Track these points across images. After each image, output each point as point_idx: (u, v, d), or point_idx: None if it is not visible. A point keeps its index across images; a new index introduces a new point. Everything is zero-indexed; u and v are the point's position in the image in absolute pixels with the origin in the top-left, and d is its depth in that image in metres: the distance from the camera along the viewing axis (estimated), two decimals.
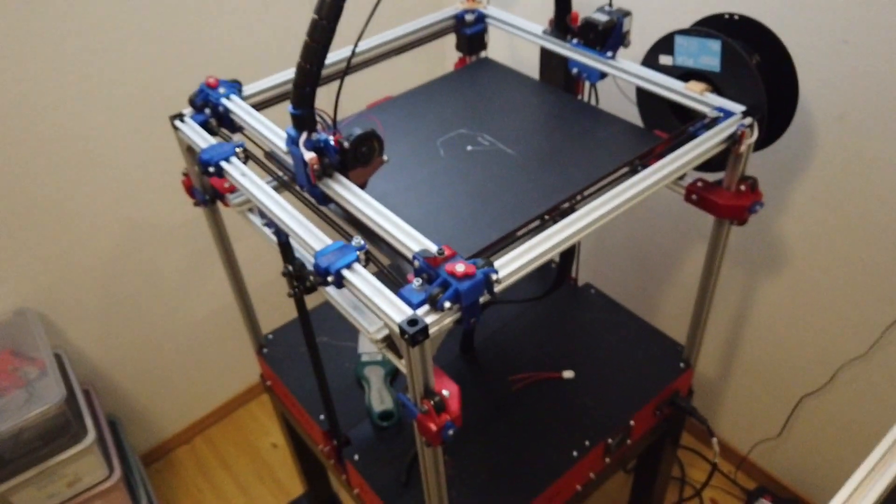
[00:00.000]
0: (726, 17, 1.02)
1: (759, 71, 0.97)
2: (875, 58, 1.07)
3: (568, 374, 1.25)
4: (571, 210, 0.84)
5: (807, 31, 1.12)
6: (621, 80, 1.07)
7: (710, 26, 1.02)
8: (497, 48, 1.34)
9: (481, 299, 0.71)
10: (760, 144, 1.04)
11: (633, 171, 0.90)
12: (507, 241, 0.80)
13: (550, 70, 1.19)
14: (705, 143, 0.91)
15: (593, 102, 1.15)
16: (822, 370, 1.43)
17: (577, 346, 1.32)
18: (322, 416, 1.19)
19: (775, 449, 1.66)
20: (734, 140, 0.92)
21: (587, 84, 1.14)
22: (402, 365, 0.74)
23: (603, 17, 1.06)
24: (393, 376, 1.25)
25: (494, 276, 0.70)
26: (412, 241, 0.75)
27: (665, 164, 0.88)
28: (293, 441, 1.48)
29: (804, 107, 1.18)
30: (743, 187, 0.99)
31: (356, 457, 1.14)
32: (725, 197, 1.00)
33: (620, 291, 1.83)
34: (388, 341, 0.77)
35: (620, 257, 1.78)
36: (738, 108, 0.94)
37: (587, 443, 1.14)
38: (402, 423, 1.18)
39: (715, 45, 0.95)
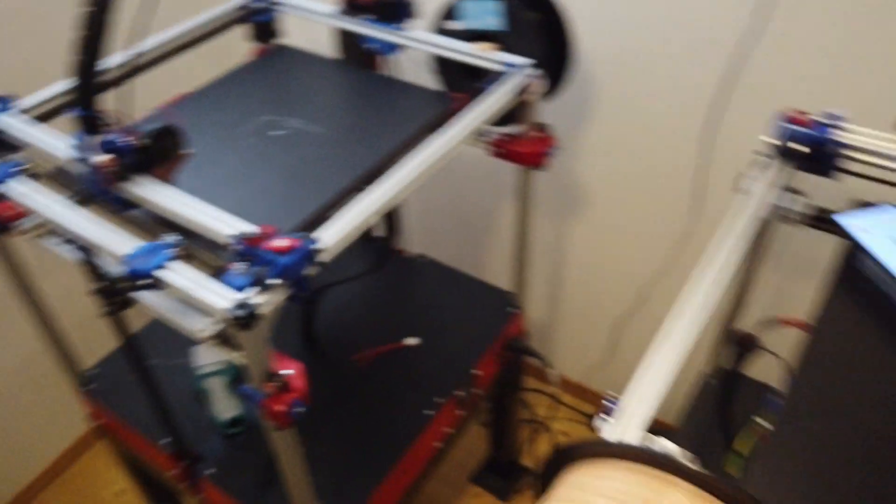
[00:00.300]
0: None
1: (540, 26, 1.05)
2: (641, 4, 1.19)
3: (410, 341, 1.28)
4: (381, 175, 0.85)
5: None
6: (416, 49, 1.10)
7: None
8: (295, 34, 1.32)
9: (309, 272, 0.71)
10: (548, 93, 1.13)
11: (436, 132, 0.94)
12: (325, 213, 0.80)
13: (348, 49, 1.20)
14: (499, 96, 0.97)
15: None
16: (630, 291, 1.59)
17: (416, 314, 1.36)
18: (166, 440, 1.12)
19: (608, 372, 1.82)
20: (523, 90, 0.99)
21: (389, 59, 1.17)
22: (238, 356, 0.72)
23: None
24: (235, 382, 1.20)
25: (318, 247, 0.71)
26: (226, 226, 0.73)
27: (464, 120, 0.93)
28: (140, 479, 1.38)
29: (584, 55, 1.30)
30: (538, 133, 1.07)
31: (211, 471, 1.09)
32: (525, 145, 1.07)
33: (452, 255, 1.89)
34: (220, 336, 0.74)
35: (447, 224, 1.84)
36: (525, 61, 1.01)
37: (438, 400, 1.18)
38: (254, 427, 1.14)
39: (495, 6, 1.02)
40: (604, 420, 0.56)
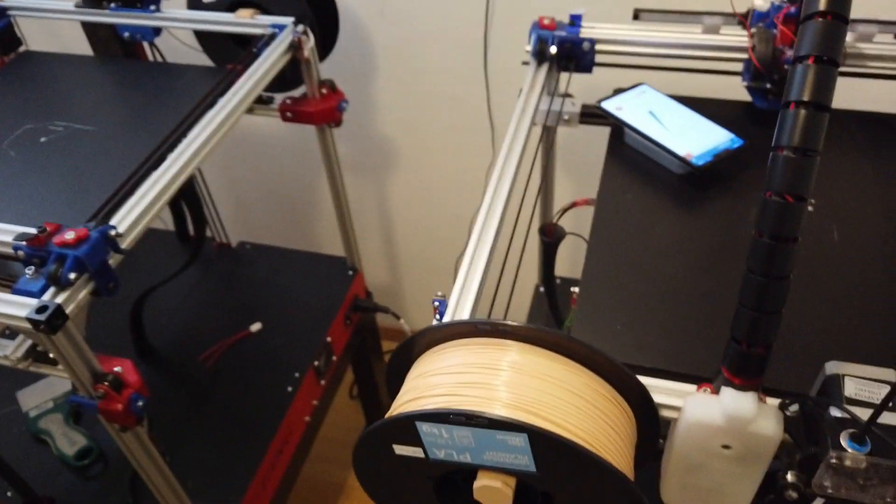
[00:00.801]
0: None
1: None
2: None
3: (254, 327, 1.26)
4: (164, 156, 0.83)
5: None
6: (176, 29, 1.06)
7: None
8: (44, 38, 1.22)
9: (110, 260, 0.67)
10: (324, 53, 1.14)
11: (213, 105, 0.92)
12: (116, 202, 0.76)
13: (102, 43, 1.13)
14: (270, 58, 0.97)
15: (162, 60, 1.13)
16: (461, 228, 1.67)
17: (254, 301, 1.33)
18: (9, 493, 1.02)
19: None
20: (294, 47, 0.99)
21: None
22: (56, 371, 0.67)
23: None
24: (74, 416, 1.12)
25: (114, 232, 0.67)
26: (3, 234, 0.67)
27: (239, 87, 0.92)
28: None
29: (351, 11, 1.32)
30: (324, 90, 1.08)
31: None
32: (313, 104, 1.08)
33: (285, 237, 1.87)
34: (33, 354, 0.69)
35: (271, 208, 1.81)
36: (288, 20, 1.01)
37: (297, 374, 1.18)
38: (105, 454, 1.07)
39: None
40: (437, 320, 0.59)
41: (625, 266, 0.67)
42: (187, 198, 0.88)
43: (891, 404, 0.44)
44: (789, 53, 0.77)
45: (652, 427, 0.52)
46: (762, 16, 0.81)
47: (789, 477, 0.48)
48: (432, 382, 0.48)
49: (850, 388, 0.46)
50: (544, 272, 0.82)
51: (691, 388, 0.51)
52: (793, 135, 0.41)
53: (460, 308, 0.59)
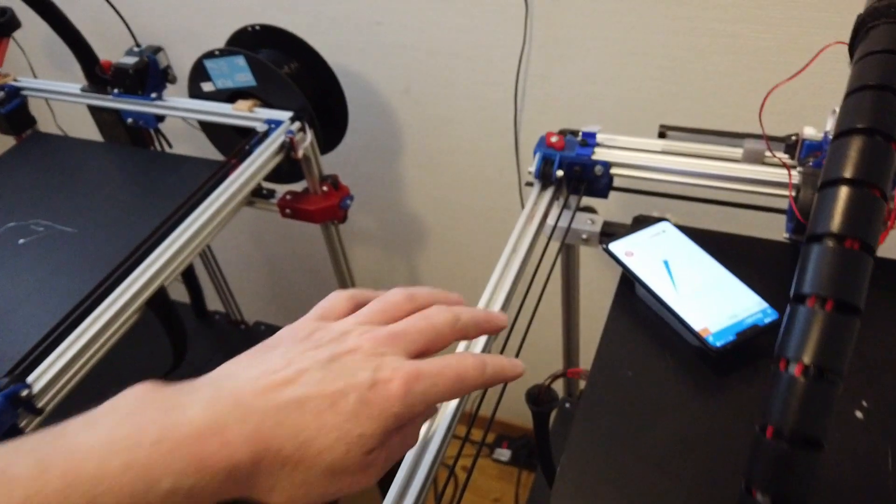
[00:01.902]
0: (249, 29, 1.01)
1: (301, 74, 0.98)
2: (407, 32, 1.14)
3: None
4: (131, 269, 0.76)
5: (334, 26, 1.16)
6: (177, 117, 1.01)
7: (240, 42, 1.01)
8: (61, 118, 1.20)
9: (24, 424, 0.60)
10: (332, 142, 1.06)
11: (198, 205, 0.86)
12: (46, 347, 0.68)
13: (108, 127, 1.09)
14: (261, 157, 0.89)
15: (168, 149, 1.09)
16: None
17: None
18: None
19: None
20: (288, 147, 0.92)
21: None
22: None
23: (132, 60, 0.99)
24: None
25: (25, 392, 0.60)
26: None
27: (227, 186, 0.85)
28: None
29: (375, 88, 1.23)
30: (325, 188, 0.99)
31: None
32: (314, 202, 1.00)
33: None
34: None
35: (299, 282, 1.75)
36: (286, 115, 0.94)
37: None
38: None
39: (240, 61, 0.94)
40: None
41: (607, 482, 0.53)
42: (160, 312, 0.82)
43: None
44: None
45: None
46: (813, 148, 0.66)
47: None
48: None
49: None
50: (537, 440, 0.69)
51: None
52: (804, 346, 0.28)
53: None
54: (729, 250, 0.68)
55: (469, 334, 0.43)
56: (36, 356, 0.64)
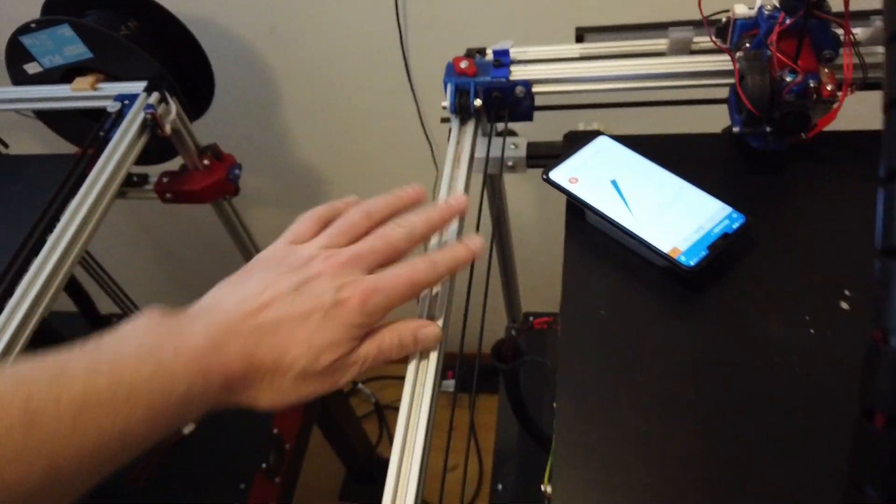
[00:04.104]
0: None
1: (144, 34, 0.82)
2: None
3: (187, 428, 1.08)
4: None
5: None
6: (5, 111, 0.83)
7: (60, 8, 0.83)
8: None
9: None
10: (200, 107, 0.91)
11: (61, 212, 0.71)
12: None
13: None
14: (122, 143, 0.75)
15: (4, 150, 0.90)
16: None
17: None
18: None
19: None
20: (151, 123, 0.77)
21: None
22: None
23: None
24: None
25: None
26: None
27: (91, 184, 0.71)
28: None
29: (235, 34, 1.08)
30: (207, 161, 0.86)
31: None
32: (197, 179, 0.86)
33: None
34: None
35: (185, 267, 1.60)
36: (139, 86, 0.79)
37: (242, 486, 1.00)
38: None
39: (66, 31, 0.77)
40: None
41: (604, 415, 0.48)
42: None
43: None
44: (792, 81, 0.56)
45: None
46: (747, 27, 0.60)
47: None
48: None
49: None
50: (510, 399, 0.63)
51: None
52: None
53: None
54: (672, 154, 0.62)
55: (427, 236, 0.50)
56: None
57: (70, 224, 0.69)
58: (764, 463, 0.46)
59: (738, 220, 0.56)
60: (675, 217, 0.57)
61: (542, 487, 0.51)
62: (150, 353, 0.38)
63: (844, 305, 0.52)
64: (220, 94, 1.01)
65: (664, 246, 0.55)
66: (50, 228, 0.69)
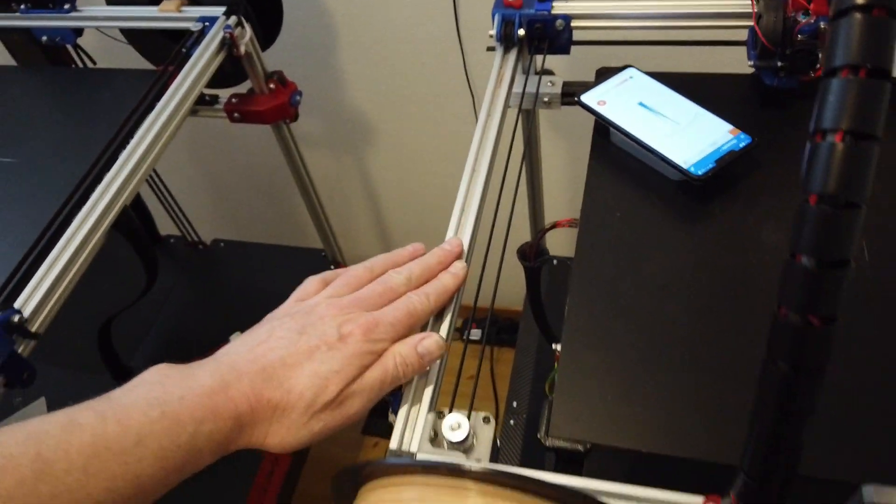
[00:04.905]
0: None
1: None
2: None
3: (234, 336, 1.18)
4: (88, 194, 0.72)
5: None
6: (98, 28, 0.93)
7: None
8: None
9: (19, 350, 0.58)
10: (268, 39, 1.00)
11: (143, 118, 0.81)
12: (25, 271, 0.66)
13: (21, 50, 1.00)
14: (202, 58, 0.84)
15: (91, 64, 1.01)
16: (452, 197, 1.56)
17: (232, 305, 1.25)
18: None
19: None
20: (229, 44, 0.87)
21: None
22: None
23: None
24: None
25: (17, 318, 0.58)
26: None
27: (172, 95, 0.81)
28: None
29: None
30: (273, 86, 0.95)
31: None
32: (262, 102, 0.96)
33: (263, 230, 1.77)
34: None
35: (246, 201, 1.70)
36: (219, 10, 0.88)
37: None
38: None
39: None
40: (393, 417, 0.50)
41: (615, 314, 0.56)
42: (128, 233, 0.78)
43: None
44: (804, 21, 0.63)
45: None
46: None
47: None
48: None
49: None
50: (530, 296, 0.72)
51: (697, 500, 0.42)
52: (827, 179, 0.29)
53: (413, 421, 0.49)
54: (696, 88, 0.69)
55: (425, 280, 0.52)
56: (16, 283, 0.61)
57: (150, 130, 0.78)
58: (748, 335, 0.53)
59: (745, 140, 0.63)
60: (689, 136, 0.64)
61: (546, 390, 0.58)
62: (156, 400, 0.39)
63: None
64: (284, 34, 1.10)
65: (677, 158, 0.62)
66: (133, 132, 0.79)
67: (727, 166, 0.62)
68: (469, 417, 0.48)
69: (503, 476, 0.38)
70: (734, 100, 0.70)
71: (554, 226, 0.66)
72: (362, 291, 0.49)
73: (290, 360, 0.43)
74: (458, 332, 1.78)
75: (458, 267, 0.54)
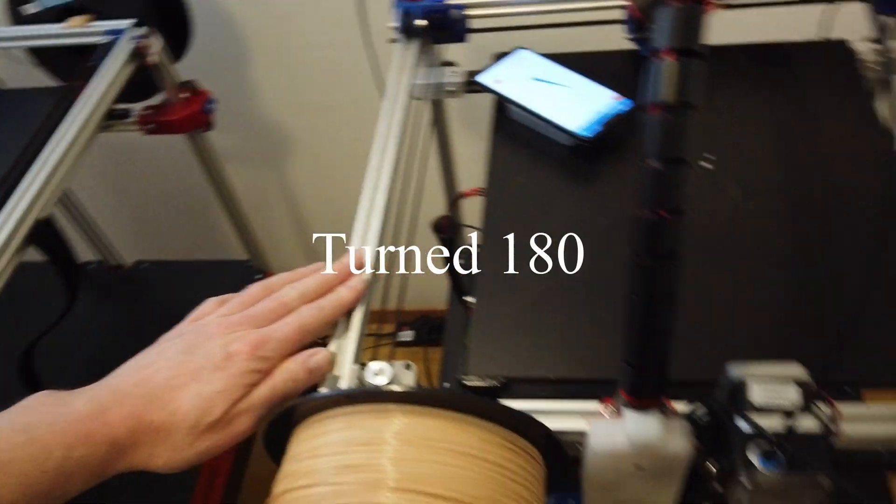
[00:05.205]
0: None
1: None
2: None
3: None
4: None
5: None
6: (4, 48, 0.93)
7: None
8: None
9: None
10: (180, 49, 1.02)
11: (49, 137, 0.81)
12: None
13: None
14: (111, 70, 0.86)
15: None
16: None
17: (159, 326, 1.24)
18: None
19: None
20: (140, 54, 0.88)
21: None
22: None
23: None
24: None
25: None
26: None
27: (78, 111, 0.82)
28: None
29: None
30: (186, 94, 0.97)
31: None
32: (175, 111, 0.97)
33: (186, 248, 1.76)
34: None
35: (169, 217, 1.69)
36: (127, 23, 0.90)
37: None
38: None
39: None
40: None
41: (520, 263, 0.61)
42: (44, 243, 0.78)
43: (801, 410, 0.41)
44: None
45: (563, 456, 0.47)
46: None
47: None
48: (307, 468, 0.42)
49: (758, 395, 0.42)
50: (449, 267, 0.76)
51: (596, 406, 0.47)
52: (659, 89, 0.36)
53: (341, 354, 0.53)
54: (583, 64, 0.76)
55: (321, 294, 0.51)
56: None
57: (54, 151, 0.78)
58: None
59: (627, 105, 0.70)
60: (578, 104, 0.70)
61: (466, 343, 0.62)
62: (24, 425, 0.39)
63: (706, 165, 0.67)
64: (196, 49, 1.12)
65: (569, 124, 0.68)
66: (39, 151, 0.78)
67: (613, 129, 0.68)
68: (392, 367, 0.51)
69: (423, 394, 0.42)
70: (617, 72, 0.77)
71: (462, 195, 0.71)
72: (254, 308, 0.48)
73: (175, 382, 0.43)
74: (391, 336, 1.81)
75: (356, 280, 0.53)
